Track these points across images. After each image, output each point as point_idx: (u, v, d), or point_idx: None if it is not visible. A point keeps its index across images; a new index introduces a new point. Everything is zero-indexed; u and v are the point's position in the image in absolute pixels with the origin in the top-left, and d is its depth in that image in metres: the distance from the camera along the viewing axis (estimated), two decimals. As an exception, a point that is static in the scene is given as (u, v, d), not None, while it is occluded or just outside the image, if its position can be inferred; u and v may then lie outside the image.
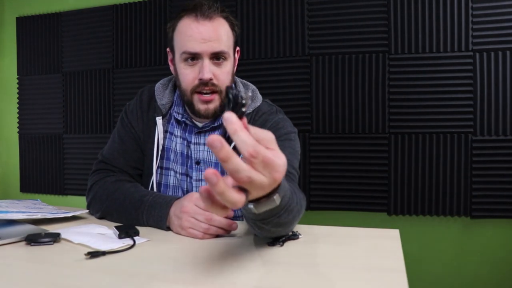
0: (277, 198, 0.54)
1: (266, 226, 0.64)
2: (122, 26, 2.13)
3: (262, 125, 0.97)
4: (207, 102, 0.93)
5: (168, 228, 0.82)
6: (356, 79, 1.77)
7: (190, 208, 0.77)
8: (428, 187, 1.69)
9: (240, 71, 1.86)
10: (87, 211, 0.99)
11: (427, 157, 1.69)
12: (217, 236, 0.77)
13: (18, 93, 2.37)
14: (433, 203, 1.68)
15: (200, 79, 0.90)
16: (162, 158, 1.02)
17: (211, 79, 0.90)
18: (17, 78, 2.37)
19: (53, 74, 2.28)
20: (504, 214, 1.62)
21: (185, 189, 1.01)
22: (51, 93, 2.29)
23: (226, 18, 0.94)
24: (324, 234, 0.79)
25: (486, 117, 1.63)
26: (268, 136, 0.47)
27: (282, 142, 0.92)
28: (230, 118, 0.44)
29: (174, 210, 0.81)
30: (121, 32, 2.13)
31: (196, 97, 0.94)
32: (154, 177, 1.00)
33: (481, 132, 1.64)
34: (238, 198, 0.45)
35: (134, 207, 0.87)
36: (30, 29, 2.33)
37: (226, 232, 0.77)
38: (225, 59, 0.93)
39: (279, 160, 0.47)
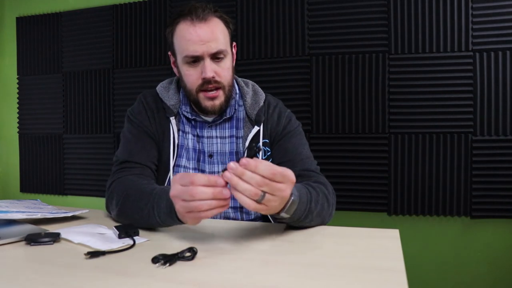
0: (295, 198, 0.71)
1: (303, 223, 0.79)
2: (122, 26, 2.13)
3: (278, 118, 1.05)
4: (212, 98, 0.97)
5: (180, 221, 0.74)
6: (356, 79, 1.77)
7: (175, 190, 0.68)
8: (428, 187, 1.69)
9: (241, 71, 1.87)
10: (87, 211, 0.98)
11: (427, 157, 1.69)
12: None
13: (18, 93, 2.37)
14: (433, 203, 1.68)
15: (204, 78, 0.94)
16: (177, 155, 1.03)
17: (213, 77, 0.94)
18: (17, 78, 2.37)
19: (53, 74, 2.28)
20: (504, 214, 1.62)
21: None
22: (51, 93, 2.29)
23: (220, 18, 0.97)
24: (324, 234, 0.79)
25: (486, 117, 1.63)
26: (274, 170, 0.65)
27: (297, 136, 1.05)
28: (245, 161, 0.63)
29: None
30: (121, 32, 2.13)
31: (201, 95, 0.97)
32: (171, 174, 1.00)
33: (481, 132, 1.64)
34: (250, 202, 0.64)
35: (145, 202, 0.80)
36: (30, 29, 2.33)
37: (223, 205, 0.67)
38: (224, 56, 0.97)
39: (289, 172, 0.67)
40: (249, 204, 0.64)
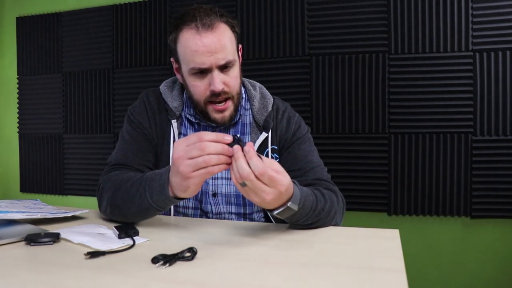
0: (292, 205, 0.71)
1: (302, 226, 0.80)
2: (122, 26, 2.13)
3: (287, 124, 1.02)
4: (222, 111, 0.94)
5: (176, 198, 0.75)
6: (356, 79, 1.77)
7: (180, 151, 0.69)
8: (428, 187, 1.69)
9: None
10: (87, 211, 0.98)
11: (427, 157, 1.69)
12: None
13: (18, 93, 2.37)
14: (433, 203, 1.68)
15: (212, 91, 0.90)
16: None
17: (222, 89, 0.90)
18: (17, 78, 2.37)
19: (53, 74, 2.28)
20: (504, 214, 1.62)
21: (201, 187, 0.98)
22: (51, 93, 2.29)
23: (226, 22, 0.91)
24: (324, 234, 0.79)
25: (486, 117, 1.63)
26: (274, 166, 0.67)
27: (307, 143, 1.03)
28: (247, 149, 0.65)
29: (171, 173, 0.73)
30: (121, 32, 2.13)
31: (210, 107, 0.93)
32: None
33: (481, 132, 1.64)
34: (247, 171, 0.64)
35: (136, 188, 0.81)
36: (30, 29, 2.33)
37: (228, 163, 0.69)
38: (232, 65, 0.92)
39: (282, 180, 0.67)
40: (234, 181, 0.68)
